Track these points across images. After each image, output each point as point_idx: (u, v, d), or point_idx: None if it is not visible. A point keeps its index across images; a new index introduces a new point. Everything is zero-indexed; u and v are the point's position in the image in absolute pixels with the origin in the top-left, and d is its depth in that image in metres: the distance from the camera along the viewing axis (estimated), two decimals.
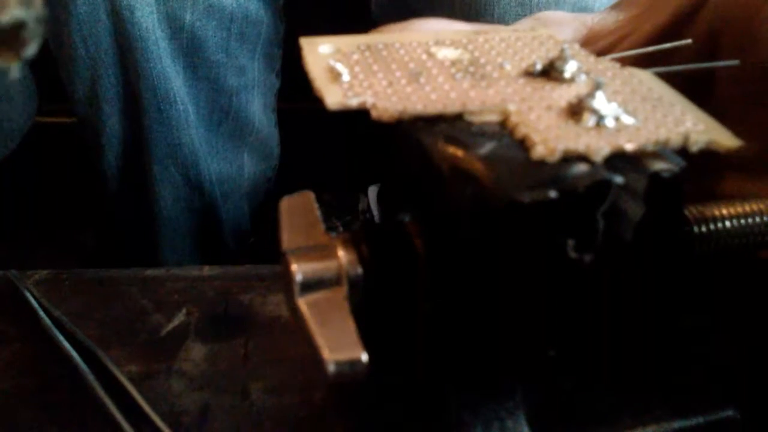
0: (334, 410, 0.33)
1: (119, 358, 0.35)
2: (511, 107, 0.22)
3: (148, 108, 0.75)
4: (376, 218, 0.28)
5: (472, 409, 0.23)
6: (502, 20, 0.68)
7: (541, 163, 0.20)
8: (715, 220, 0.23)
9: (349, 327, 0.22)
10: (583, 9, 0.73)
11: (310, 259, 0.23)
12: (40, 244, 1.03)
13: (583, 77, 0.24)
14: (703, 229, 0.23)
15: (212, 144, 0.81)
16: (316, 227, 0.24)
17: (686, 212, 0.23)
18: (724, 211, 0.23)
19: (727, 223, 0.23)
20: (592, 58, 0.26)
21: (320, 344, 0.21)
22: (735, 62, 0.27)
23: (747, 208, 0.23)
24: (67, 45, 0.72)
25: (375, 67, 0.24)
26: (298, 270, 0.22)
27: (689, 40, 0.28)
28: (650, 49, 0.29)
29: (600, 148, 0.20)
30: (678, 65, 0.29)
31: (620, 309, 0.22)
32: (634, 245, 0.20)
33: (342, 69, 0.24)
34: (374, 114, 0.22)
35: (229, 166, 0.84)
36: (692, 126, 0.21)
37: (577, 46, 0.27)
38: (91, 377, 0.33)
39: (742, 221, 0.23)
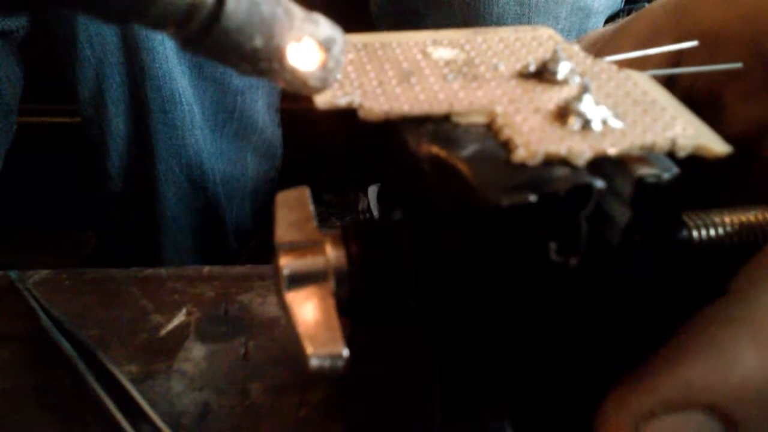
0: (334, 410, 0.33)
1: (119, 358, 0.35)
2: (498, 109, 0.22)
3: (154, 108, 0.75)
4: (376, 218, 0.28)
5: (456, 421, 0.23)
6: (501, 19, 0.68)
7: (522, 166, 0.20)
8: (716, 227, 0.22)
9: (333, 322, 0.22)
10: (582, 9, 0.73)
11: (298, 253, 0.23)
12: (40, 244, 1.04)
13: (576, 79, 0.23)
14: (703, 236, 0.22)
15: (216, 144, 0.82)
16: (309, 222, 0.24)
17: (686, 219, 0.22)
18: (726, 219, 0.22)
19: (729, 232, 0.22)
20: (589, 60, 0.25)
21: (302, 338, 0.21)
22: (738, 65, 0.26)
23: (752, 217, 0.22)
24: (72, 45, 0.73)
25: (368, 67, 0.24)
26: (286, 264, 0.22)
27: (695, 42, 0.28)
28: (652, 51, 0.28)
29: (582, 151, 0.20)
30: (680, 68, 0.28)
31: (609, 316, 0.21)
32: (623, 250, 0.20)
33: None
34: (361, 114, 0.22)
35: (233, 167, 0.84)
36: (681, 131, 0.21)
37: (576, 47, 0.26)
38: (91, 377, 0.33)
39: (745, 230, 0.22)
